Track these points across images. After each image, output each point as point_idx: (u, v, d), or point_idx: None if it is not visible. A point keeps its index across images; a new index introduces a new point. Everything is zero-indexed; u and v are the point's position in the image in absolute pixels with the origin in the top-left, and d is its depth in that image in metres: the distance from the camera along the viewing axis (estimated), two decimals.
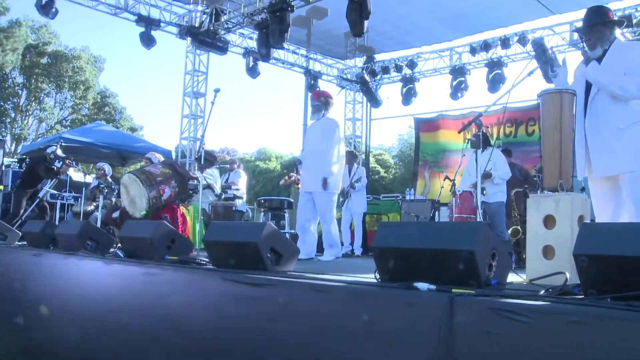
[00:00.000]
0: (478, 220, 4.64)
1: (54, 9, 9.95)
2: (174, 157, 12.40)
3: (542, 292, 2.20)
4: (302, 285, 2.70)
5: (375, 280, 2.61)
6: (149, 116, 64.41)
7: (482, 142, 6.66)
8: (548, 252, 2.96)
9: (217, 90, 5.94)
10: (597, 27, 3.56)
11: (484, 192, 6.61)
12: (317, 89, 13.87)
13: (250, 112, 73.06)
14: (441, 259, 2.32)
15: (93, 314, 3.87)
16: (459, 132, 4.57)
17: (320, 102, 5.72)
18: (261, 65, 12.62)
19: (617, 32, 3.61)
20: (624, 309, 1.78)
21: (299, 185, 10.21)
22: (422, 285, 2.24)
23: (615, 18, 3.64)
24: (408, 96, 13.47)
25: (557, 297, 2.07)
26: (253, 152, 41.36)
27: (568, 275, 2.35)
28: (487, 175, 6.62)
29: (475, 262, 2.22)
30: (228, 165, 9.50)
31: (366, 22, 8.47)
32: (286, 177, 10.15)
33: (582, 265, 2.02)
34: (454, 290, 2.14)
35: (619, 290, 1.94)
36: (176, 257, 3.94)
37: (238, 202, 8.09)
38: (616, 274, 1.97)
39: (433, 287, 2.22)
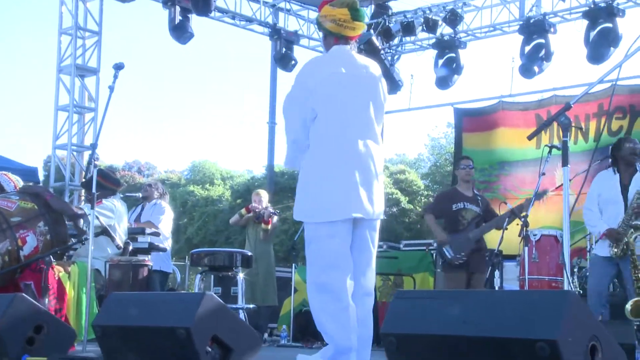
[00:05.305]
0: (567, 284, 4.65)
1: None
2: (42, 179, 12.30)
3: None
4: None
5: None
6: None
7: None
8: None
9: (118, 67, 5.99)
10: None
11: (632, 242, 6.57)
12: (293, 61, 13.96)
13: (179, 104, 73.32)
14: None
15: None
16: (530, 137, 4.58)
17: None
18: (195, 21, 12.69)
19: None
20: None
21: (269, 225, 10.29)
22: None
23: None
24: (447, 73, 13.58)
25: None
26: (183, 170, 41.36)
27: None
28: None
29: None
30: (140, 194, 9.45)
31: None
32: (243, 211, 10.13)
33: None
34: None
35: None
36: (44, 358, 4.00)
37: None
38: None
39: None
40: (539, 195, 7.27)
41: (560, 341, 2.30)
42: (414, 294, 3.13)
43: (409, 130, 68.13)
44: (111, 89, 6.11)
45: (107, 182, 7.36)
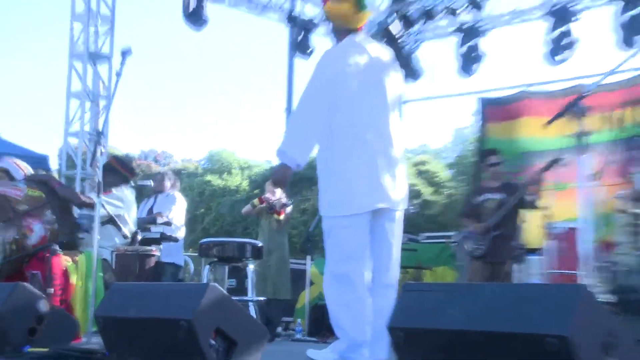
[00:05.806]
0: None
1: None
2: (54, 167, 12.32)
3: None
4: None
5: None
6: (7, 97, 64.89)
7: None
8: None
9: (126, 52, 5.99)
10: None
11: None
12: (310, 49, 13.91)
13: (195, 93, 73.69)
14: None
15: None
16: (548, 123, 4.55)
17: None
18: (211, 8, 12.63)
19: None
20: None
21: (282, 216, 10.28)
22: None
23: None
24: (469, 61, 13.57)
25: None
26: (201, 160, 41.68)
27: None
28: None
29: None
30: (152, 183, 9.40)
31: None
32: (255, 201, 10.08)
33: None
34: None
35: None
36: (45, 349, 4.06)
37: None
38: None
39: None
40: (556, 161, 7.29)
41: (570, 337, 2.31)
42: (422, 286, 3.14)
43: (431, 119, 68.44)
44: (119, 75, 6.14)
45: (123, 169, 7.47)
